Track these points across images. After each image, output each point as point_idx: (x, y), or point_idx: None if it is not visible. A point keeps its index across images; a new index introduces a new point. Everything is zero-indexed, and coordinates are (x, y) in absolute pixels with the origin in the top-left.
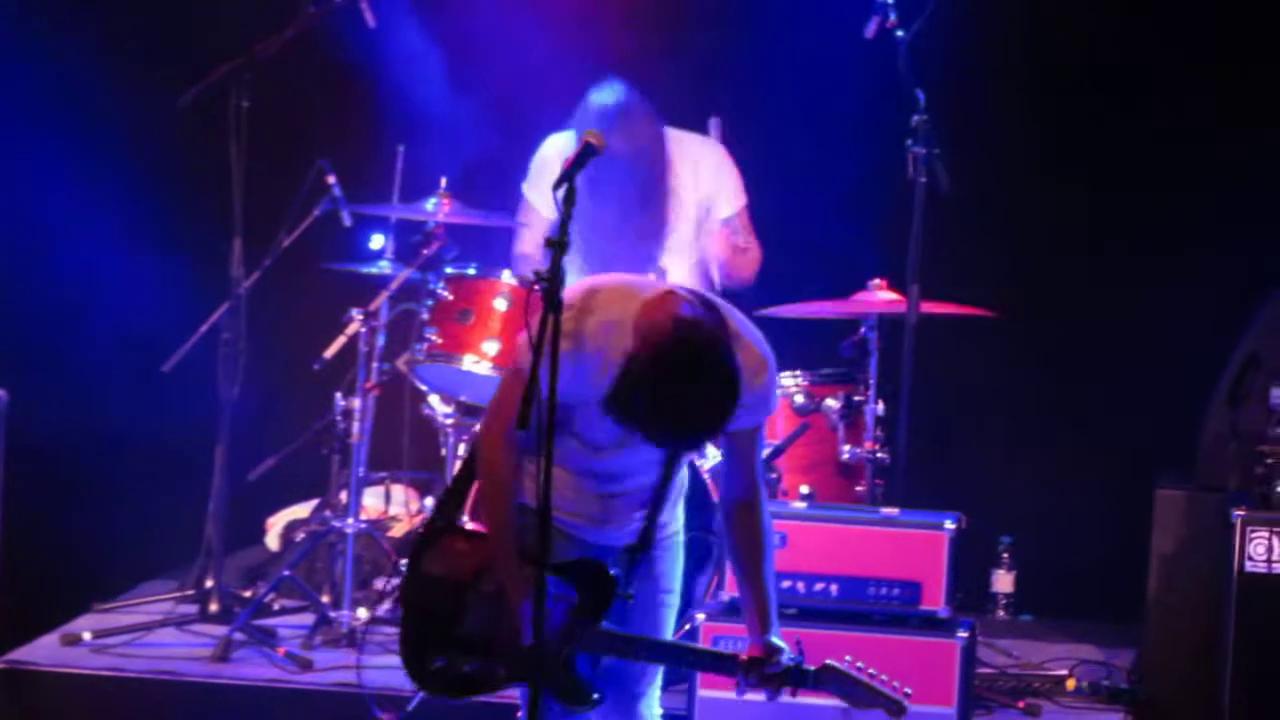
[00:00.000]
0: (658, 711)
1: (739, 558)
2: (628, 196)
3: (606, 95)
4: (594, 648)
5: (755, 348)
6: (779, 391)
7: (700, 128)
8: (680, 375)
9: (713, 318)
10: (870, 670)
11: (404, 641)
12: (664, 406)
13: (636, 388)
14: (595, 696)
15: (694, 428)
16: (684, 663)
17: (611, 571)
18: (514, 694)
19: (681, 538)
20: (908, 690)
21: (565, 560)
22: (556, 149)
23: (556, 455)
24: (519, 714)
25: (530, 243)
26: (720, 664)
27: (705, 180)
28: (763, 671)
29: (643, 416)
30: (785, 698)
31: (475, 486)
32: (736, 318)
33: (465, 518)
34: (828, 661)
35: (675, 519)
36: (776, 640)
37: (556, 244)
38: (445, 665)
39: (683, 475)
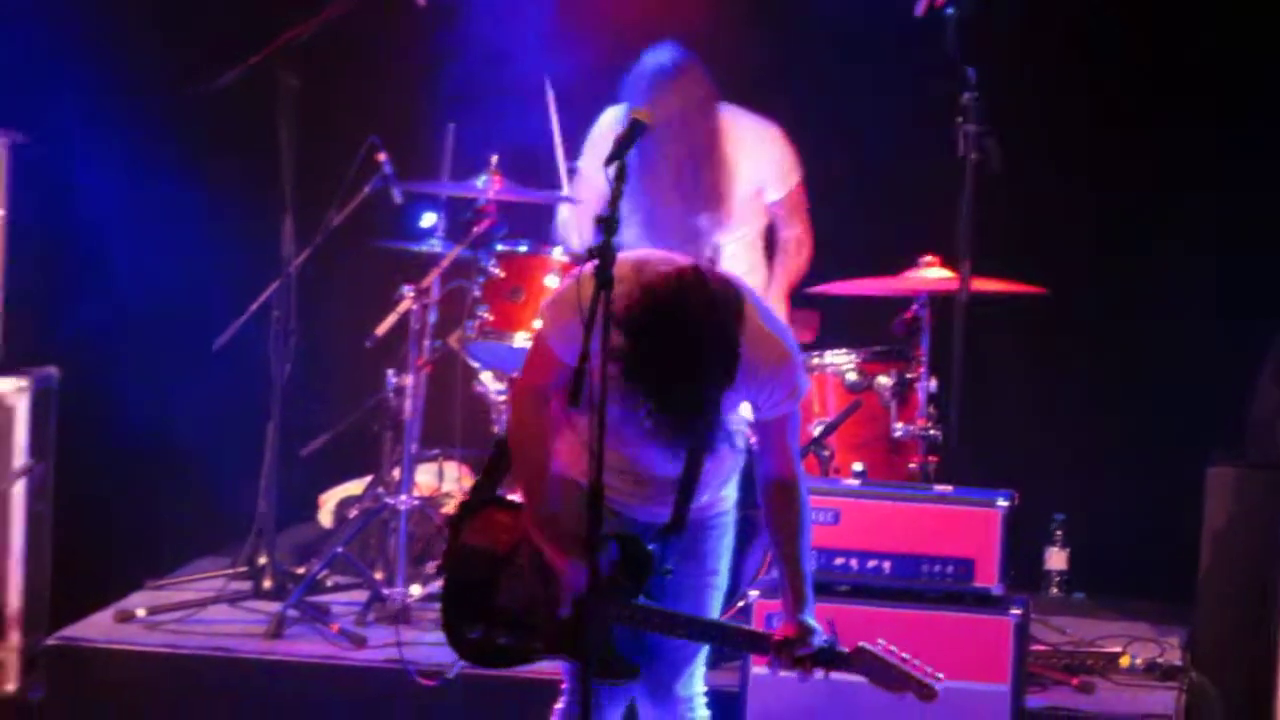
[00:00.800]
0: (699, 689)
1: (775, 538)
2: (680, 158)
3: (661, 56)
4: (631, 623)
5: (778, 338)
6: (834, 369)
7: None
8: (661, 336)
9: (727, 299)
10: (903, 654)
11: (444, 611)
12: (645, 369)
13: (624, 348)
14: (634, 670)
15: (671, 397)
16: (719, 640)
17: (649, 547)
18: (557, 669)
19: (732, 518)
20: (939, 675)
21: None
22: (611, 122)
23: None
24: (563, 686)
25: (578, 212)
26: (755, 643)
27: (758, 160)
28: (794, 652)
29: (632, 379)
30: (832, 677)
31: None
32: (761, 309)
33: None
34: (861, 644)
35: (724, 500)
36: (810, 620)
37: (606, 221)
38: (482, 636)
39: (735, 459)
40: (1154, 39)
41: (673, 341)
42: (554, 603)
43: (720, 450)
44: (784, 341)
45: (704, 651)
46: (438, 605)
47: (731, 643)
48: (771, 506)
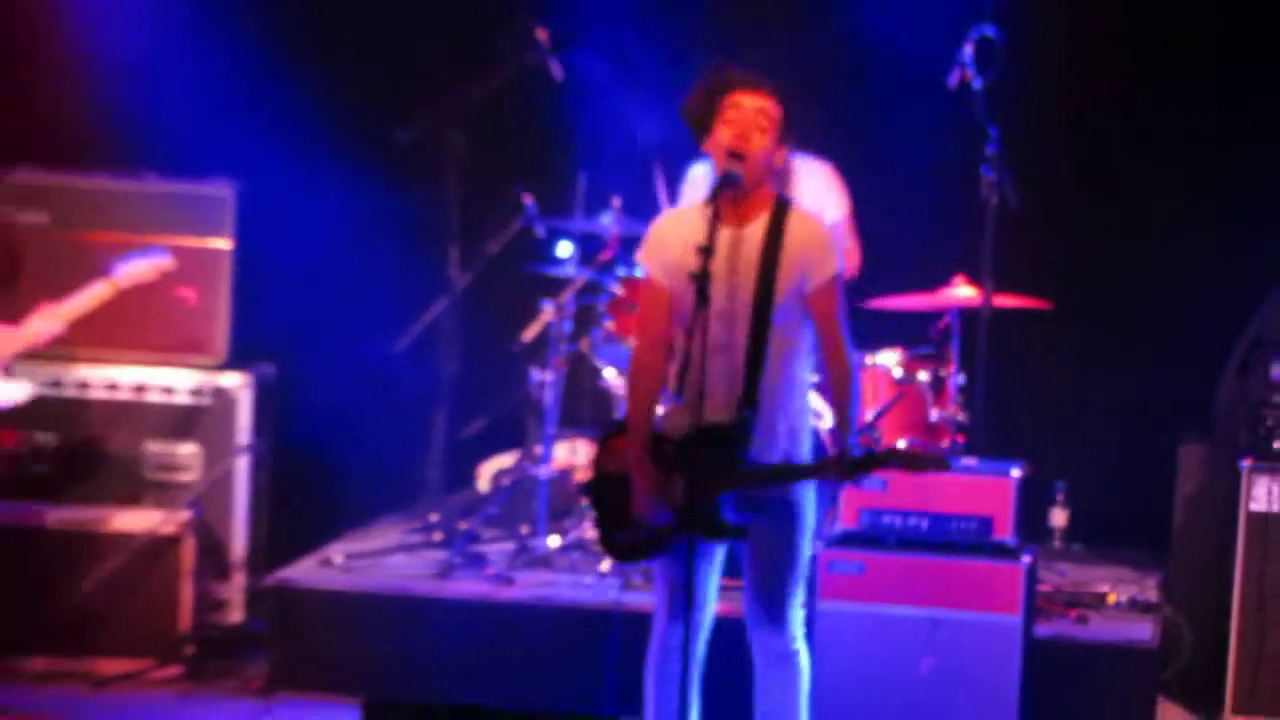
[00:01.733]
0: (800, 616)
1: (830, 392)
2: None
3: None
4: (734, 484)
5: (818, 223)
6: (883, 367)
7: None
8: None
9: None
10: (921, 446)
11: (598, 526)
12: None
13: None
14: (741, 532)
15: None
16: (798, 477)
17: (728, 424)
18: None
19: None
20: (948, 455)
21: (693, 430)
22: (700, 174)
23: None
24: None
25: None
26: (820, 470)
27: (815, 193)
28: (843, 461)
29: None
30: (879, 611)
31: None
32: (808, 210)
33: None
34: (889, 447)
35: (799, 436)
36: (850, 443)
37: (705, 250)
38: (627, 537)
39: (800, 364)
40: (1132, 86)
41: None
42: (672, 493)
43: (780, 320)
44: (823, 225)
45: (802, 585)
46: (573, 554)
47: (805, 475)
48: (825, 366)
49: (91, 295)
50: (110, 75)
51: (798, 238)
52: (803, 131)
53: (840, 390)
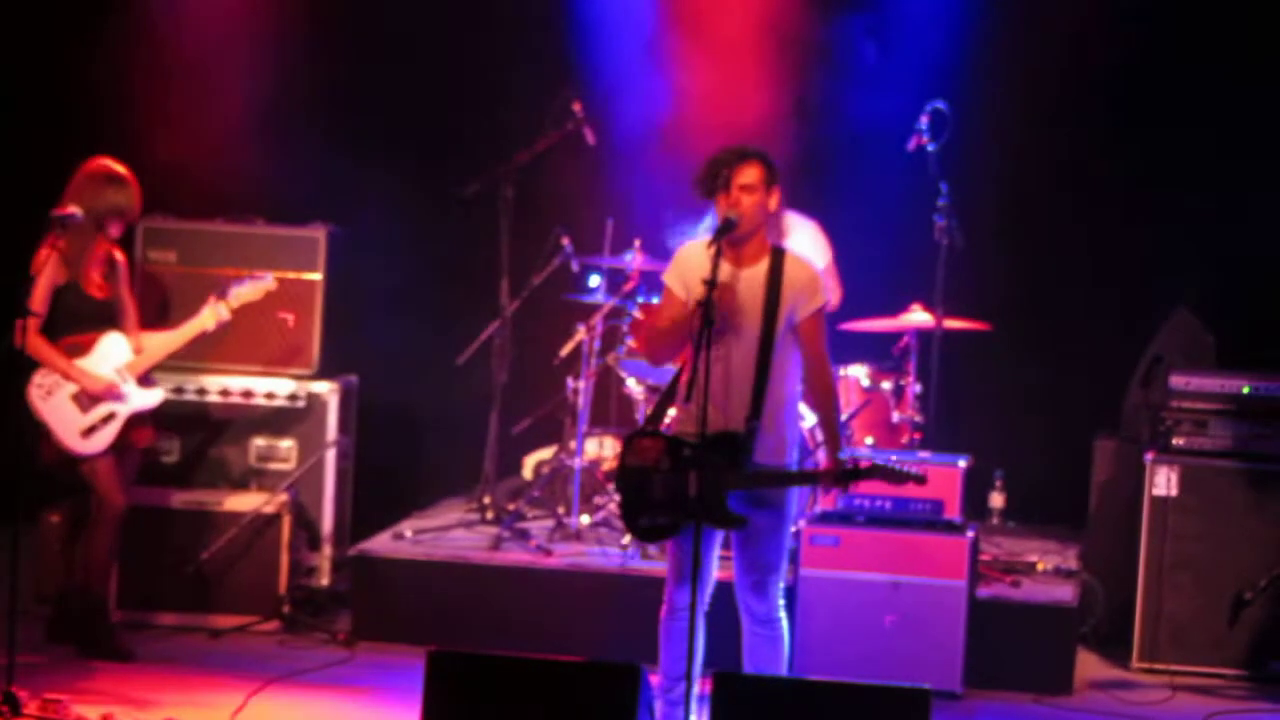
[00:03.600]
0: (782, 587)
1: (815, 406)
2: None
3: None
4: (739, 484)
5: (808, 265)
6: (853, 377)
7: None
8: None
9: (777, 246)
10: (903, 463)
11: (623, 510)
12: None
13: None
14: (743, 521)
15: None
16: (794, 483)
17: (738, 433)
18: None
19: (797, 492)
20: (923, 473)
21: (710, 435)
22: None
23: (694, 360)
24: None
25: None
26: (813, 478)
27: (805, 245)
28: (834, 475)
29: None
30: (853, 578)
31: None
32: (800, 255)
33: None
34: (874, 460)
35: (788, 442)
36: (839, 456)
37: (710, 283)
38: (648, 522)
39: (794, 382)
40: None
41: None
42: (686, 486)
43: (780, 348)
44: (812, 268)
45: (786, 563)
46: (600, 529)
47: (799, 483)
48: (810, 385)
49: (212, 312)
50: (228, 139)
51: (791, 278)
52: (794, 192)
53: (826, 405)
